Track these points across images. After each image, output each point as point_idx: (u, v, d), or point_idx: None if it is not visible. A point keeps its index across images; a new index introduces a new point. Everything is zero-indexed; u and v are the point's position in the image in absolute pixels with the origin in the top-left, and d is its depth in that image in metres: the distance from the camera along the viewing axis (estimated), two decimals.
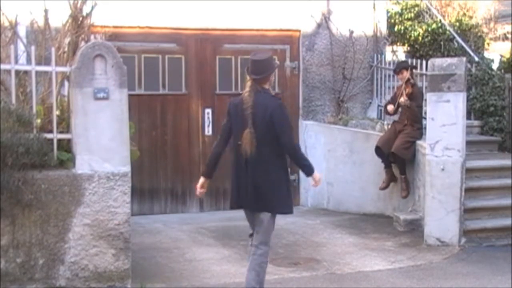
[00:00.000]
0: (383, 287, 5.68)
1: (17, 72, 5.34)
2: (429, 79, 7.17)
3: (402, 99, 7.77)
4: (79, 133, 5.15)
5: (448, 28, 10.92)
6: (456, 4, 12.56)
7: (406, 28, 11.27)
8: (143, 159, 7.95)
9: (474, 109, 9.34)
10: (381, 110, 9.31)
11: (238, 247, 6.83)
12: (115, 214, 5.21)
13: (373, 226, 7.90)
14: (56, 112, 5.28)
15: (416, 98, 7.86)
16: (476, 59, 9.80)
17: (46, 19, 5.90)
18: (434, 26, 11.03)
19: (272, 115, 4.76)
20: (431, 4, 11.97)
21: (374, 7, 9.68)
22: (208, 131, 8.82)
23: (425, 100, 7.51)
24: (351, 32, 9.40)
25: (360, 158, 8.49)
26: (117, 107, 5.22)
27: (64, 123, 5.39)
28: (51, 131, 5.21)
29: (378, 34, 9.78)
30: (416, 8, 11.78)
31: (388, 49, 10.64)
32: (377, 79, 9.65)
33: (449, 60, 7.14)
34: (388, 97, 8.80)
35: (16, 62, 5.72)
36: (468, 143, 7.59)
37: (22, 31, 7.07)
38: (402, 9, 11.79)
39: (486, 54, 11.24)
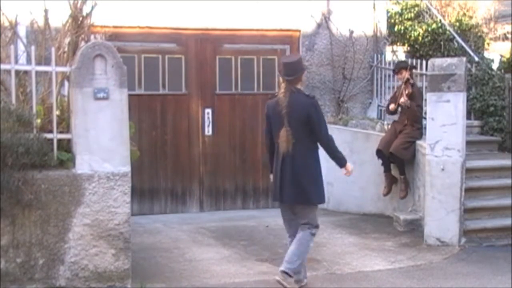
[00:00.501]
0: (383, 287, 5.68)
1: (17, 72, 5.33)
2: (429, 79, 7.17)
3: (403, 100, 7.77)
4: (79, 133, 5.15)
5: (448, 28, 10.93)
6: (456, 4, 12.56)
7: (406, 28, 11.27)
8: (143, 159, 7.96)
9: (474, 109, 9.35)
10: (381, 110, 9.32)
11: (238, 247, 6.83)
12: (115, 214, 5.21)
13: (373, 226, 7.91)
14: (56, 112, 5.27)
15: (416, 98, 7.86)
16: (476, 59, 9.80)
17: (46, 19, 5.89)
18: (434, 26, 11.04)
19: (309, 113, 5.16)
20: (431, 4, 11.96)
21: (374, 7, 9.67)
22: (208, 131, 8.82)
23: (425, 100, 7.52)
24: (351, 32, 9.40)
25: (360, 158, 8.49)
26: (117, 107, 5.22)
27: (64, 123, 5.38)
28: (51, 131, 5.20)
29: (378, 34, 9.77)
30: (416, 8, 11.78)
31: (388, 49, 10.62)
32: (377, 79, 9.65)
33: (449, 60, 7.13)
34: (388, 97, 8.80)
35: (16, 62, 5.71)
36: (468, 143, 7.59)
37: (22, 31, 7.07)
38: (402, 9, 11.79)
39: (486, 54, 11.23)
